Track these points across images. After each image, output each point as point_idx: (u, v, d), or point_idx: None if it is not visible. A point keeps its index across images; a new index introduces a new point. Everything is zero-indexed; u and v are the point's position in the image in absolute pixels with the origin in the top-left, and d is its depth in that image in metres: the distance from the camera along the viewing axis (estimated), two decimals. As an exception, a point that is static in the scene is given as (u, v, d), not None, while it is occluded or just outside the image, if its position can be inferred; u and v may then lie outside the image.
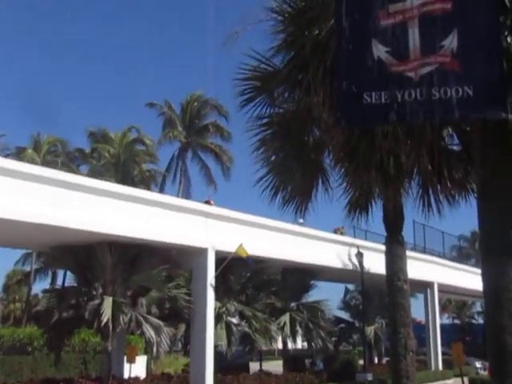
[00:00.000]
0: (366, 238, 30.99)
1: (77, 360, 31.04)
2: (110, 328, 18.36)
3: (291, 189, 8.85)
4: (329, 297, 47.62)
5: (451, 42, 3.90)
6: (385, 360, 37.97)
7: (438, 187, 8.07)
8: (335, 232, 29.55)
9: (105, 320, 18.02)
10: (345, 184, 8.57)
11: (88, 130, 45.53)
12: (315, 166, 8.41)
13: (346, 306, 34.21)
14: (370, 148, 6.70)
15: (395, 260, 7.84)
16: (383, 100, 3.87)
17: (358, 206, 9.01)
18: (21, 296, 55.28)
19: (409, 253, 33.20)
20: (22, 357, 30.16)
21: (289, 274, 27.06)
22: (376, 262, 22.66)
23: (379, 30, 3.96)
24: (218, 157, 43.35)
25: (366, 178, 7.14)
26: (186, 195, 43.58)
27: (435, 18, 3.96)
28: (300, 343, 34.87)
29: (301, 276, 27.40)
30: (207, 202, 23.69)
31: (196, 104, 44.09)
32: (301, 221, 16.12)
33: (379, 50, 3.94)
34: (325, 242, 27.34)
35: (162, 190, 44.00)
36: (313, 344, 28.24)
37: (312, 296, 29.43)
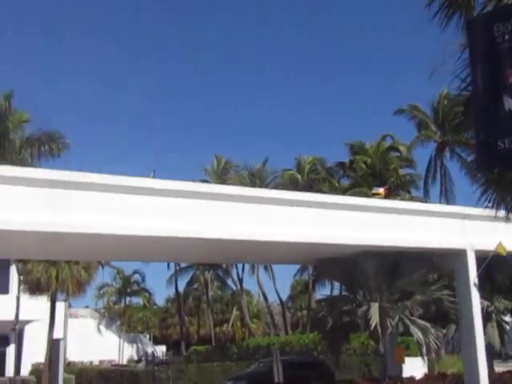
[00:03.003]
0: None
1: (360, 363, 32.97)
2: (380, 331, 19.74)
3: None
4: None
5: None
6: None
7: None
8: None
9: (373, 324, 19.46)
10: None
11: (348, 143, 47.98)
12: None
13: None
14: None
15: None
16: (514, 145, 4.67)
17: None
18: (306, 304, 58.81)
19: None
20: (310, 360, 33.09)
21: None
22: None
23: (508, 85, 4.76)
24: (476, 152, 42.23)
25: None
26: (449, 195, 43.30)
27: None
28: None
29: None
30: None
31: (446, 102, 43.75)
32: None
33: (509, 103, 4.73)
34: None
35: (426, 193, 44.41)
36: None
37: None
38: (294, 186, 44.06)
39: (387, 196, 24.46)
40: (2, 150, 31.02)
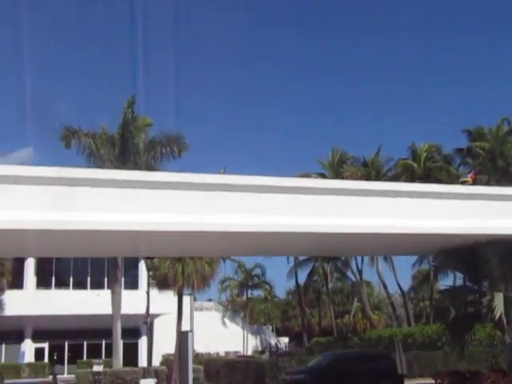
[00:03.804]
0: None
1: (486, 353, 32.11)
2: (505, 322, 19.32)
3: None
4: None
5: None
6: None
7: None
8: None
9: (498, 315, 19.05)
10: None
11: (465, 129, 46.43)
12: None
13: None
14: None
15: None
16: None
17: None
18: (429, 294, 57.47)
19: None
20: (434, 351, 32.70)
21: None
22: None
23: None
24: None
25: None
26: None
27: None
28: None
29: None
30: None
31: None
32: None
33: None
34: None
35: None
36: None
37: None
38: (410, 175, 43.37)
39: (475, 181, 23.68)
40: (128, 154, 32.92)
